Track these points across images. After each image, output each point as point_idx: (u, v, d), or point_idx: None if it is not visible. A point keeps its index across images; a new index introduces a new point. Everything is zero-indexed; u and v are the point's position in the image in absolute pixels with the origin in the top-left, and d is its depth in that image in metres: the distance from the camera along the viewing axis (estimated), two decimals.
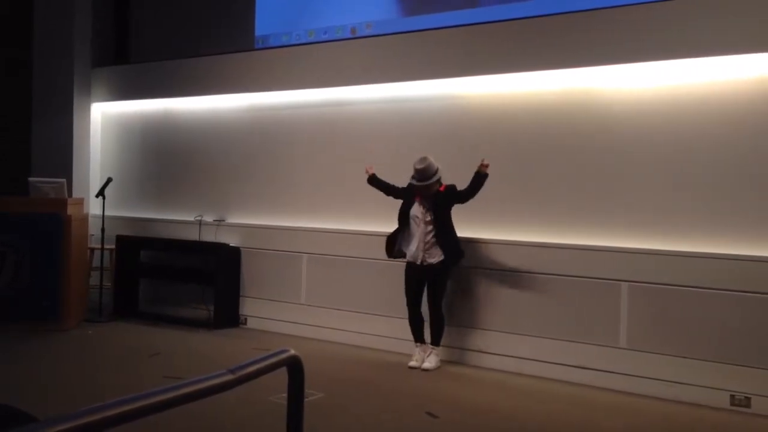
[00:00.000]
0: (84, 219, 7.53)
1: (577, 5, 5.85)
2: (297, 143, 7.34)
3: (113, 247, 7.86)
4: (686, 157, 5.25)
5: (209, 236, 7.71)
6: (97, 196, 7.48)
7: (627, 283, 5.30)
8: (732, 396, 4.84)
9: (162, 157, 8.46)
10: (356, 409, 4.74)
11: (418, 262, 5.73)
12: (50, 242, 6.87)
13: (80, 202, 7.61)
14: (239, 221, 7.64)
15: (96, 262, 7.82)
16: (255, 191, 7.61)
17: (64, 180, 7.27)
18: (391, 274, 6.28)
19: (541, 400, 5.03)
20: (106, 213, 7.52)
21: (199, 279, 7.57)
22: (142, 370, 5.59)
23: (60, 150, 8.60)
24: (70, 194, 7.63)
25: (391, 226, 5.94)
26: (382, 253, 5.97)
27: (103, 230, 7.44)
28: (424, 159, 5.65)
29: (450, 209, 5.73)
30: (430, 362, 5.76)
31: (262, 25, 7.94)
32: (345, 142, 6.99)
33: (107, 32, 9.06)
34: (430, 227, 5.69)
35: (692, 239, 5.16)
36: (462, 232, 5.82)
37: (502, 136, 6.08)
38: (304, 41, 7.47)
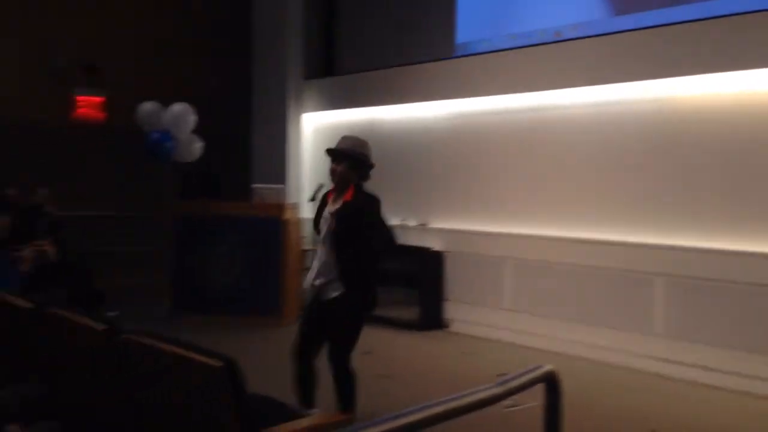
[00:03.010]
0: (298, 222, 8.07)
1: None
2: (498, 148, 7.35)
3: None
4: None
5: (413, 240, 7.94)
6: (310, 200, 7.96)
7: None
8: None
9: None
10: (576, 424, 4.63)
11: (316, 291, 4.10)
12: (270, 244, 7.45)
13: (295, 206, 8.16)
14: (441, 225, 7.79)
15: (307, 263, 8.34)
16: (456, 196, 7.72)
17: (283, 185, 7.87)
18: (589, 280, 6.16)
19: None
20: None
21: (403, 281, 7.82)
22: (355, 367, 5.87)
23: (275, 158, 9.29)
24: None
25: (607, 232, 5.74)
26: (587, 259, 5.79)
27: None
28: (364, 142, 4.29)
29: (363, 235, 4.07)
30: None
31: (463, 32, 8.05)
32: (546, 147, 6.91)
33: (316, 47, 9.65)
34: (332, 244, 4.03)
35: None
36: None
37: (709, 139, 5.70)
38: (505, 46, 7.46)
